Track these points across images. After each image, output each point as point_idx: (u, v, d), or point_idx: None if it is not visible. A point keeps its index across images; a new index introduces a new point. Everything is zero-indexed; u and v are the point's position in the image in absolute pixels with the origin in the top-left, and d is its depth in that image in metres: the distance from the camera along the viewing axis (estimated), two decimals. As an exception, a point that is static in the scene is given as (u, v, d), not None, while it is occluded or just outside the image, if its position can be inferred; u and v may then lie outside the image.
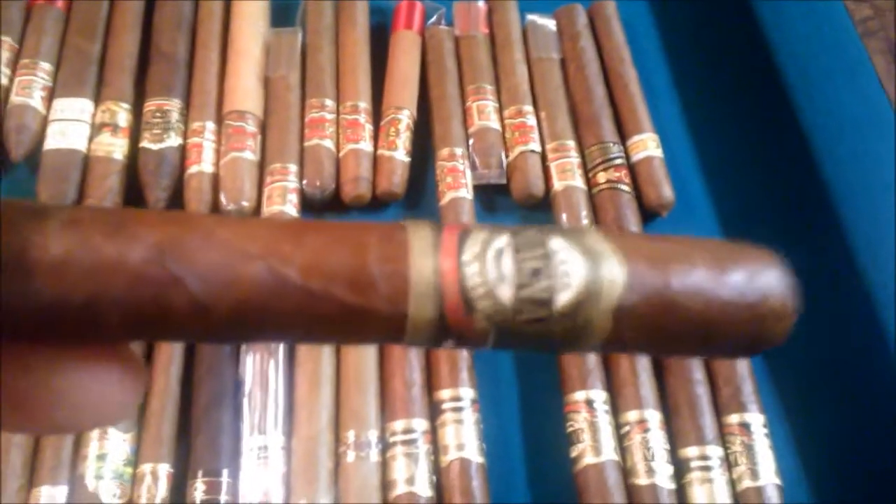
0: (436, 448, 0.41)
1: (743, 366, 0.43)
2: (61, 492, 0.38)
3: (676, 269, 0.15)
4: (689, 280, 0.15)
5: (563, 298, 0.14)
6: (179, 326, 0.14)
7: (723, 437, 0.41)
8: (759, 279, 0.15)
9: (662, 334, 0.15)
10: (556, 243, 0.15)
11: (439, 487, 0.40)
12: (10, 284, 0.13)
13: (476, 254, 0.14)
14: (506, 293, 0.14)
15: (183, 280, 0.14)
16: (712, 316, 0.15)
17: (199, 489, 0.39)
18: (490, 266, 0.14)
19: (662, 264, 0.15)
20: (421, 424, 0.41)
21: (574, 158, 0.52)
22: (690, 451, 0.41)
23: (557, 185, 0.51)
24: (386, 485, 0.40)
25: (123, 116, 0.52)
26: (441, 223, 0.15)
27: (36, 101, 0.51)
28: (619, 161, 0.51)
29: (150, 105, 0.52)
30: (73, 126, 0.51)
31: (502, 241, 0.15)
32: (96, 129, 0.51)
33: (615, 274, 0.14)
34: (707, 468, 0.40)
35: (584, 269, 0.14)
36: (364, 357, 0.43)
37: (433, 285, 0.14)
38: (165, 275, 0.14)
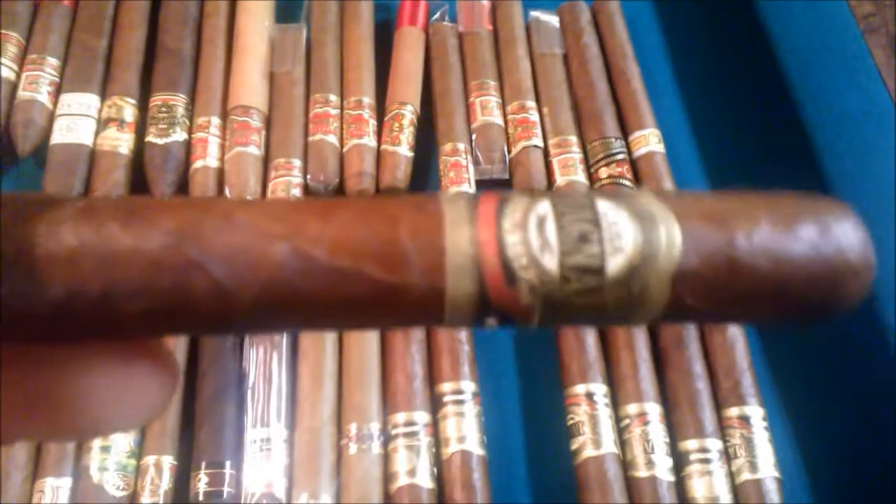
0: (437, 440, 0.41)
1: (742, 359, 0.43)
2: (65, 483, 0.39)
3: (740, 226, 0.13)
4: (754, 237, 0.13)
5: (615, 264, 0.13)
6: (203, 316, 0.13)
7: (722, 430, 0.41)
8: (832, 232, 0.14)
9: (728, 298, 0.14)
10: (604, 205, 0.13)
11: (440, 479, 0.40)
12: (17, 280, 0.12)
13: (517, 221, 0.13)
14: (551, 262, 0.13)
15: (204, 265, 0.13)
16: (783, 275, 0.14)
17: (202, 481, 0.39)
18: (532, 234, 0.13)
19: (723, 222, 0.13)
20: (422, 417, 0.41)
21: (576, 154, 0.52)
22: (690, 444, 0.41)
23: (560, 180, 0.51)
24: (388, 477, 0.40)
25: (129, 111, 0.52)
26: (477, 193, 0.14)
27: (43, 96, 0.52)
28: (620, 156, 0.51)
29: (156, 100, 0.52)
30: (80, 121, 0.51)
31: (545, 206, 0.13)
32: (103, 123, 0.52)
33: (672, 235, 0.13)
34: (706, 461, 0.40)
35: (636, 231, 0.13)
36: (366, 350, 0.43)
37: (471, 257, 0.13)
38: (185, 260, 0.13)
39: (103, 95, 0.53)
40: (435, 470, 0.40)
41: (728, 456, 0.41)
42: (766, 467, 0.40)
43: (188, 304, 0.13)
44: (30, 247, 0.13)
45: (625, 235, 0.13)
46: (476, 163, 0.52)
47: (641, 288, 0.13)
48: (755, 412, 0.41)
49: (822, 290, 0.14)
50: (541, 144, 0.53)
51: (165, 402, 0.15)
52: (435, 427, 0.42)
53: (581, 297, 0.13)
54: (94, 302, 0.13)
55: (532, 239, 0.13)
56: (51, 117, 0.52)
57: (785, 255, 0.14)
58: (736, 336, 0.44)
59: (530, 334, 0.46)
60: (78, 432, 0.15)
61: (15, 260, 0.12)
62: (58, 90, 0.53)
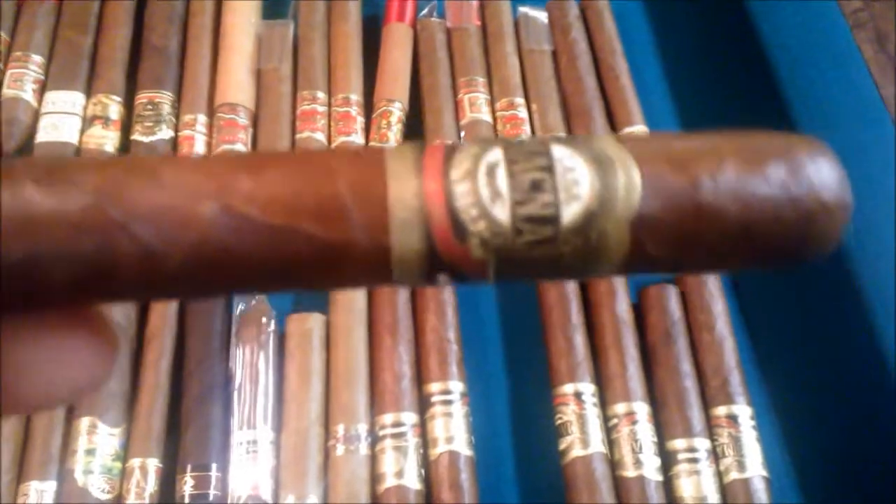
0: (425, 441, 0.41)
1: (731, 357, 0.43)
2: (50, 487, 0.39)
3: (704, 167, 0.13)
4: (719, 179, 0.13)
5: (570, 212, 0.12)
6: (131, 280, 0.12)
7: (710, 429, 0.41)
8: (804, 171, 0.13)
9: (694, 245, 0.13)
10: (559, 151, 0.13)
11: (428, 480, 0.40)
12: None
13: (465, 171, 0.12)
14: (502, 213, 0.12)
15: (128, 226, 0.12)
16: (751, 218, 0.13)
17: (188, 483, 0.39)
18: (482, 183, 0.12)
19: (687, 164, 0.13)
20: (410, 418, 0.41)
21: (565, 151, 0.52)
22: (678, 444, 0.41)
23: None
24: (375, 478, 0.40)
25: (115, 109, 0.52)
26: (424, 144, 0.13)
27: (28, 94, 0.51)
28: (610, 153, 0.51)
29: (142, 98, 0.52)
30: (65, 119, 0.51)
31: (496, 153, 0.12)
32: (88, 121, 0.51)
33: (631, 179, 0.12)
34: (694, 460, 0.40)
35: (593, 176, 0.12)
36: (354, 350, 0.43)
37: (417, 210, 0.12)
38: (108, 221, 0.12)
39: (88, 93, 0.53)
40: (423, 471, 0.40)
41: (716, 455, 0.41)
42: (754, 466, 0.40)
43: (115, 268, 0.12)
44: None
45: (581, 182, 0.12)
46: (464, 160, 0.52)
47: (599, 236, 0.12)
48: (743, 411, 0.41)
49: (794, 232, 0.13)
50: (529, 141, 0.52)
51: (106, 373, 0.14)
52: (423, 427, 0.41)
53: (537, 249, 0.12)
54: (15, 269, 0.12)
55: (482, 189, 0.12)
56: (36, 115, 0.51)
57: (753, 196, 0.13)
58: (724, 334, 0.43)
59: (517, 332, 0.46)
60: (15, 406, 0.14)
61: None
62: (43, 88, 0.52)
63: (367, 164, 0.13)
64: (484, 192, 0.12)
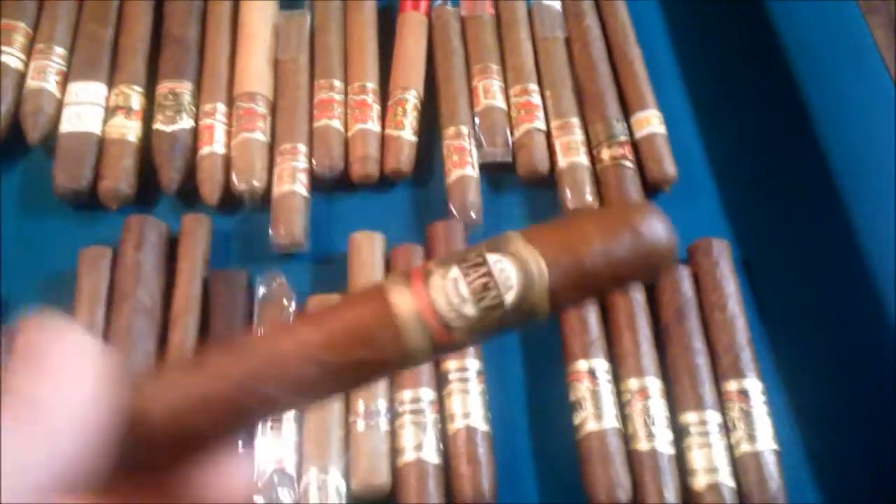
0: (443, 417, 0.42)
1: (742, 335, 0.44)
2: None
3: (580, 248, 0.20)
4: (591, 252, 0.20)
5: (510, 297, 0.19)
6: (257, 421, 0.22)
7: (721, 404, 0.42)
8: (643, 234, 0.20)
9: (586, 292, 0.20)
10: (492, 258, 0.19)
11: (446, 454, 0.41)
12: (130, 448, 0.17)
13: (440, 288, 0.19)
14: (470, 310, 0.19)
15: (268, 395, 0.19)
16: (616, 271, 0.20)
17: (214, 458, 0.40)
18: (452, 294, 0.19)
19: (570, 247, 0.20)
20: (428, 394, 0.42)
21: (579, 136, 0.53)
22: (690, 417, 0.42)
23: (562, 162, 0.52)
24: (395, 452, 0.41)
25: (136, 99, 0.53)
26: (408, 271, 0.20)
27: (51, 85, 0.53)
28: (622, 138, 0.52)
29: (163, 88, 0.53)
30: (88, 109, 0.52)
31: (454, 271, 0.19)
32: (110, 111, 0.52)
33: (541, 268, 0.19)
34: (706, 433, 0.41)
35: (517, 272, 0.19)
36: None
37: (419, 323, 0.19)
38: (250, 396, 0.19)
39: (110, 84, 0.54)
40: (441, 445, 0.41)
41: (727, 428, 0.42)
42: (765, 440, 0.41)
43: (249, 418, 0.20)
44: (134, 427, 0.18)
45: (511, 276, 0.19)
46: (479, 146, 0.53)
47: (531, 305, 0.19)
48: (754, 386, 0.42)
49: (644, 271, 0.20)
50: (543, 127, 0.53)
51: (250, 482, 0.22)
52: (440, 404, 0.42)
53: (494, 323, 0.19)
54: (186, 442, 0.19)
55: (453, 298, 0.19)
56: (59, 106, 0.53)
57: (615, 257, 0.20)
58: (735, 313, 0.44)
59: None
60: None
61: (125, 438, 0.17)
62: (65, 79, 0.54)
63: (378, 300, 0.19)
64: (455, 301, 0.19)
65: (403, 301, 0.19)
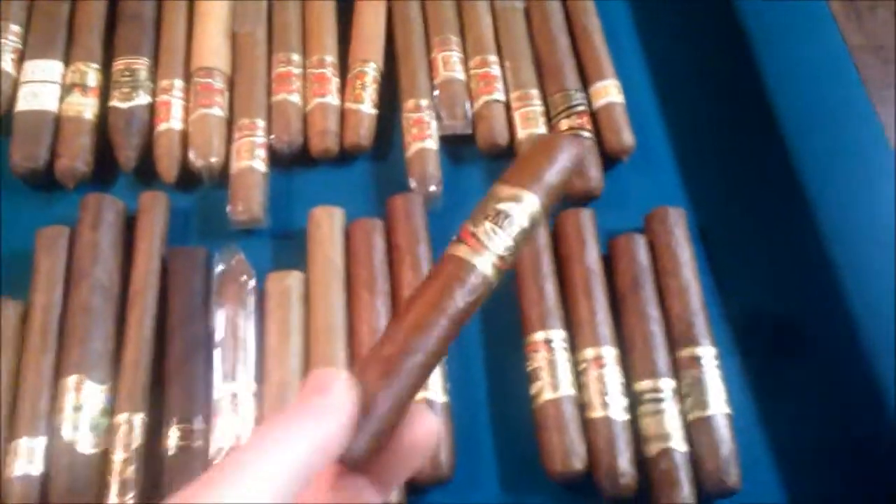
0: (401, 389, 0.42)
1: (696, 301, 0.44)
2: (39, 444, 0.40)
3: (543, 174, 0.27)
4: (549, 173, 0.27)
5: (526, 223, 0.26)
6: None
7: (676, 371, 0.43)
8: (571, 150, 0.28)
9: (556, 199, 0.28)
10: (501, 206, 0.26)
11: (405, 426, 0.42)
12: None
13: (486, 238, 0.26)
14: (509, 241, 0.26)
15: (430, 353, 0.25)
16: (565, 178, 0.28)
17: (173, 436, 0.40)
18: (495, 238, 0.26)
19: (537, 175, 0.27)
20: (387, 367, 0.42)
21: (538, 107, 0.53)
22: (644, 384, 0.42)
23: (521, 133, 0.52)
24: (354, 425, 0.41)
25: (93, 76, 0.52)
26: (459, 236, 0.26)
27: (7, 63, 0.52)
28: (581, 108, 0.52)
29: (119, 64, 0.53)
30: (44, 87, 0.52)
31: (488, 225, 0.26)
32: (67, 89, 0.52)
33: (530, 196, 0.27)
34: (659, 400, 0.41)
35: (519, 206, 0.26)
36: (332, 306, 0.44)
37: (489, 262, 0.26)
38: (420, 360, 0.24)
39: (67, 61, 0.53)
40: (399, 417, 0.42)
41: (681, 395, 0.42)
42: (717, 404, 0.41)
43: (426, 375, 0.25)
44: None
45: (519, 212, 0.26)
46: (439, 118, 0.53)
47: (536, 221, 0.27)
48: (707, 352, 0.43)
49: (575, 174, 0.29)
50: (503, 98, 0.53)
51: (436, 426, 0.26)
52: (399, 377, 0.43)
53: (522, 242, 0.26)
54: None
55: (497, 240, 0.26)
56: (15, 85, 0.52)
57: (562, 170, 0.28)
58: (689, 279, 0.45)
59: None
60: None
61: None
62: (21, 57, 0.53)
63: (456, 261, 0.26)
64: (499, 241, 0.26)
65: (471, 254, 0.25)
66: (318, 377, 0.23)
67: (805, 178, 0.47)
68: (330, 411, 0.22)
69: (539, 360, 0.43)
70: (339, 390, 0.22)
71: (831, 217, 0.46)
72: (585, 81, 0.54)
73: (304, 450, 0.21)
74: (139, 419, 0.41)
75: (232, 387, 0.41)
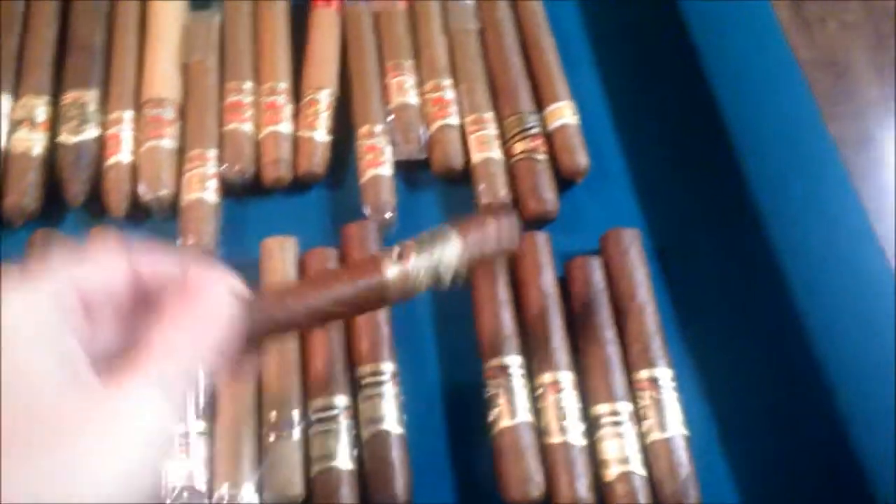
0: (357, 422, 0.42)
1: (652, 323, 0.44)
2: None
3: (484, 245, 0.36)
4: (480, 244, 0.36)
5: (441, 268, 0.34)
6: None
7: (633, 393, 0.43)
8: (508, 226, 0.37)
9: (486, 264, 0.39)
10: (429, 248, 0.34)
11: (361, 460, 0.41)
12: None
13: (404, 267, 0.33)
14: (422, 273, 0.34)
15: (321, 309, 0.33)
16: (501, 246, 0.37)
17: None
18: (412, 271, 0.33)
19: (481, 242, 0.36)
20: (342, 401, 0.42)
21: (492, 130, 0.52)
22: (601, 408, 0.42)
23: (476, 157, 0.52)
24: (309, 461, 0.41)
25: (42, 110, 0.52)
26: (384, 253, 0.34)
27: (-47, 99, 0.51)
28: (535, 130, 0.52)
29: (67, 98, 0.52)
30: (-8, 123, 0.51)
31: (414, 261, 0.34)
32: (14, 125, 0.51)
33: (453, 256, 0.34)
34: (617, 423, 0.41)
35: (430, 261, 0.34)
36: (285, 341, 0.44)
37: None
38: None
39: (16, 95, 0.52)
40: (355, 451, 0.41)
41: (639, 417, 0.42)
42: (675, 426, 0.41)
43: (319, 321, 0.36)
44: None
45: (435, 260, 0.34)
46: (394, 144, 0.52)
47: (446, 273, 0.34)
48: (664, 373, 0.42)
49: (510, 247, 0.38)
50: (457, 122, 0.53)
51: None
52: (355, 409, 0.42)
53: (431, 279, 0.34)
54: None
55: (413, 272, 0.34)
56: (-39, 121, 0.51)
57: (497, 240, 0.37)
58: (645, 300, 0.44)
59: (448, 310, 0.47)
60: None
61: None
62: (-32, 93, 0.52)
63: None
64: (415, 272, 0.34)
65: (388, 263, 0.33)
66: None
67: (759, 196, 0.47)
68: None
69: (496, 386, 0.42)
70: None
71: (786, 235, 0.46)
72: (540, 103, 0.54)
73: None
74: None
75: (181, 428, 0.40)
